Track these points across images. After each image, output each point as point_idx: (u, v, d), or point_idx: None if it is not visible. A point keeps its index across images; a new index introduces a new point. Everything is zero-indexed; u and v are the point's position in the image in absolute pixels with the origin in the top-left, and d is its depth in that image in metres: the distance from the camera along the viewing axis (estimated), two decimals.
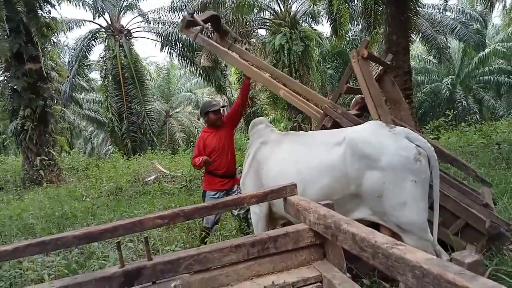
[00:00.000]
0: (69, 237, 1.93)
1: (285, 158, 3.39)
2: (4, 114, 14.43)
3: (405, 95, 9.04)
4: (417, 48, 23.54)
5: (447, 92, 20.43)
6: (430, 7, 18.38)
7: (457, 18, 18.77)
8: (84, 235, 1.95)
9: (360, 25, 17.36)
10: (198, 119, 26.15)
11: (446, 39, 18.71)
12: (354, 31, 18.86)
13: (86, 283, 1.81)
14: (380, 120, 3.51)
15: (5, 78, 12.58)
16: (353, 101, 5.15)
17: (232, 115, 4.62)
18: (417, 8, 10.84)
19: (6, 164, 14.17)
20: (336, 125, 3.74)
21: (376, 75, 4.92)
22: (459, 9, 19.30)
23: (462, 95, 20.57)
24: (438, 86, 21.56)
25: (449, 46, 19.68)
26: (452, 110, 14.89)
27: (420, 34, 16.93)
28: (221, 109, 4.59)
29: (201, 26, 4.35)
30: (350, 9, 14.06)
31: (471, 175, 4.28)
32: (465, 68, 22.04)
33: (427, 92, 21.48)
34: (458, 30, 17.93)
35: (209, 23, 4.64)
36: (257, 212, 3.49)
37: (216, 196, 4.37)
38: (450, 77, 21.22)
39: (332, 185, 3.05)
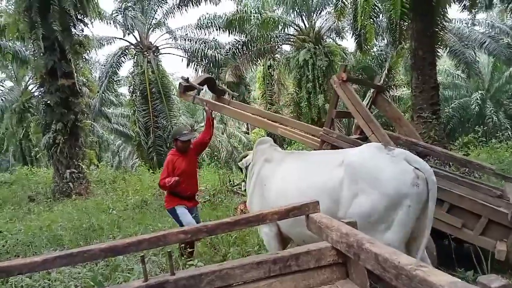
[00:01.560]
0: (96, 249, 1.98)
1: (288, 176, 3.44)
2: (37, 128, 15.02)
3: (432, 110, 8.92)
4: (444, 63, 23.08)
5: (477, 107, 19.83)
6: (457, 22, 18.08)
7: (486, 32, 18.36)
8: (110, 248, 1.99)
9: (386, 40, 17.25)
10: (222, 133, 26.39)
11: (475, 53, 18.30)
12: (379, 46, 18.74)
13: None
14: (374, 136, 3.60)
15: (40, 93, 13.14)
16: (353, 126, 5.35)
17: (200, 145, 4.89)
18: (444, 23, 10.68)
19: (37, 176, 14.69)
20: (335, 149, 3.96)
21: (369, 98, 5.11)
22: (488, 23, 18.88)
23: (492, 111, 19.90)
24: (467, 101, 20.97)
25: (478, 61, 19.22)
26: (482, 126, 14.47)
27: (448, 48, 16.63)
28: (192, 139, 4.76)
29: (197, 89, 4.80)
30: (375, 24, 14.01)
31: (489, 173, 4.29)
32: (496, 82, 21.39)
33: (456, 108, 20.92)
34: (488, 44, 17.51)
35: (205, 85, 5.07)
36: (267, 232, 3.53)
37: (186, 210, 4.52)
38: (480, 92, 20.62)
39: (331, 206, 3.06)
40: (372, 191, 2.89)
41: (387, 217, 2.84)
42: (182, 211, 4.47)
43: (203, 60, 18.53)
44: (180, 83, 4.87)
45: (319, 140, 4.11)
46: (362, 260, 1.69)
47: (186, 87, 4.83)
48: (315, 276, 2.08)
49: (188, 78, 4.94)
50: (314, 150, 4.20)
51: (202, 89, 5.06)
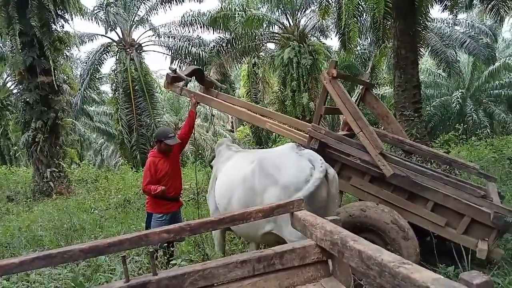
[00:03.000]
0: (75, 250, 1.93)
1: (226, 172, 3.92)
2: (16, 126, 14.67)
3: (414, 109, 9.04)
4: (426, 62, 23.47)
5: (457, 105, 20.24)
6: (439, 22, 18.39)
7: (467, 32, 18.73)
8: (90, 249, 1.95)
9: (369, 39, 17.41)
10: (207, 132, 26.25)
11: (456, 53, 18.64)
12: (363, 45, 18.91)
13: None
14: (363, 133, 3.66)
15: (18, 90, 12.82)
16: (341, 123, 5.39)
17: (181, 142, 4.71)
18: (426, 23, 10.84)
19: (17, 175, 14.35)
20: (323, 145, 3.95)
21: (358, 95, 5.12)
22: (468, 23, 19.26)
23: (472, 109, 20.36)
24: (448, 99, 21.39)
25: (459, 60, 19.59)
26: (462, 124, 14.76)
27: (429, 48, 16.90)
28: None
29: (185, 80, 4.75)
30: (359, 23, 14.14)
31: (473, 173, 4.36)
32: (475, 81, 21.87)
33: (437, 106, 21.31)
34: (468, 44, 17.89)
35: (193, 77, 4.98)
36: None
37: (163, 218, 4.36)
38: (460, 90, 21.06)
39: (245, 196, 3.53)
40: (276, 184, 3.33)
41: None
42: (156, 224, 4.24)
43: (187, 57, 18.38)
44: (167, 74, 4.73)
45: (307, 136, 4.07)
46: (346, 258, 1.69)
47: (174, 78, 4.71)
48: (299, 274, 2.07)
49: (176, 69, 4.85)
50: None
51: (190, 81, 4.97)
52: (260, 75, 21.38)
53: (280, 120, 4.71)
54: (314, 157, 3.40)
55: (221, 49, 16.21)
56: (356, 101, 5.11)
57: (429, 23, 11.88)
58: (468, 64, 21.84)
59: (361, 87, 5.33)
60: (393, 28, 9.57)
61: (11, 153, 20.36)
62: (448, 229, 3.52)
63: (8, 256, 5.22)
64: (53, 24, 12.02)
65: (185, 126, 4.77)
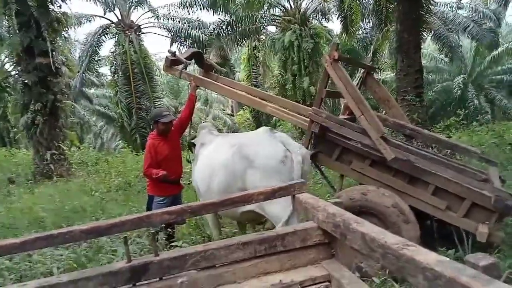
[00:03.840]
0: (77, 231, 1.93)
1: (207, 155, 4.10)
2: (15, 108, 14.56)
3: (416, 94, 8.99)
4: (428, 47, 23.23)
5: (459, 91, 20.10)
6: (442, 5, 18.12)
7: (470, 16, 18.47)
8: (91, 230, 1.95)
9: (371, 23, 17.20)
10: (207, 116, 26.19)
11: (458, 37, 18.41)
12: (364, 29, 18.68)
13: (93, 278, 1.81)
14: (364, 117, 3.65)
15: (17, 72, 12.70)
16: (342, 106, 5.35)
17: (181, 125, 4.73)
18: (430, 6, 10.67)
19: (17, 157, 14.34)
20: (324, 129, 3.93)
21: (359, 79, 5.09)
22: (472, 7, 18.98)
23: (473, 95, 20.23)
24: (450, 85, 21.24)
25: (461, 45, 19.37)
26: (463, 110, 14.65)
27: (432, 32, 16.70)
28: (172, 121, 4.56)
29: (184, 63, 4.71)
30: (361, 6, 13.94)
31: (474, 157, 4.38)
32: (477, 67, 21.68)
33: (438, 91, 21.17)
34: (471, 28, 17.63)
35: (193, 60, 4.95)
36: None
37: (164, 201, 4.35)
38: (462, 76, 20.89)
39: (227, 179, 3.71)
40: (254, 166, 3.54)
41: None
42: (157, 207, 4.20)
43: (187, 40, 18.17)
44: (166, 56, 4.71)
45: (308, 119, 4.05)
46: (349, 240, 1.69)
47: (173, 61, 4.69)
48: (301, 256, 2.08)
49: (175, 52, 4.81)
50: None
51: (189, 64, 4.93)
52: (261, 59, 21.18)
53: (280, 104, 4.67)
54: (286, 139, 3.67)
55: (221, 32, 16.00)
56: (357, 84, 5.06)
57: (432, 6, 11.70)
58: (471, 49, 21.61)
59: (362, 70, 5.26)
60: (396, 11, 9.44)
61: (10, 135, 20.31)
62: (449, 213, 3.54)
63: (11, 237, 5.24)
64: (50, 4, 11.82)
65: (185, 110, 4.76)
